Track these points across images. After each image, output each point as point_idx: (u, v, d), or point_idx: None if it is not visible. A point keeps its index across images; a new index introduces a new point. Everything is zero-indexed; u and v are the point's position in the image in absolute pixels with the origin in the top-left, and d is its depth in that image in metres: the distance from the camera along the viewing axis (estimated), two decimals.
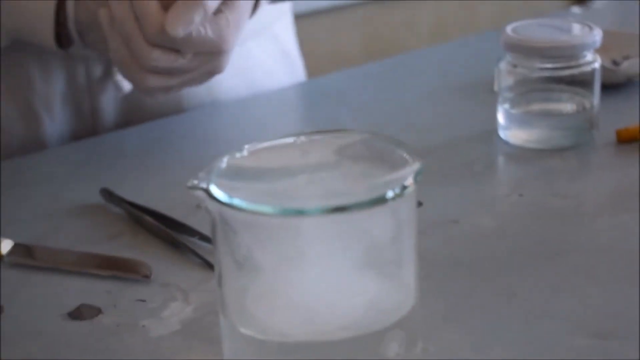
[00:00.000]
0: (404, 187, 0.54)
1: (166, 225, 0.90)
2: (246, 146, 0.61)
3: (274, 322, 0.57)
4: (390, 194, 0.53)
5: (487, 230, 0.90)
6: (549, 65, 1.05)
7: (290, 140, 0.63)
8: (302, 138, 0.62)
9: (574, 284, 0.78)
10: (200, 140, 1.18)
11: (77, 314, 0.76)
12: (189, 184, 0.58)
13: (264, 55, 1.45)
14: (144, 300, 0.79)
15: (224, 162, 0.59)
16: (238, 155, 0.60)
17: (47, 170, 1.12)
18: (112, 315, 0.77)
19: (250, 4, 1.19)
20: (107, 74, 1.24)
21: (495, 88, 1.07)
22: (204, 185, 0.56)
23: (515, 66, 1.05)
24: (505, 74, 1.05)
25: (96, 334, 0.75)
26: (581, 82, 1.04)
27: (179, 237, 0.88)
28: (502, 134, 1.07)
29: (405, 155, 0.58)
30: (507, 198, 0.99)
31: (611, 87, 1.13)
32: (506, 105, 1.06)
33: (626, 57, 1.19)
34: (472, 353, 0.69)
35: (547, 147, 1.05)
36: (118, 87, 1.24)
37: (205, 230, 0.87)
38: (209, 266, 0.82)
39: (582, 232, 0.92)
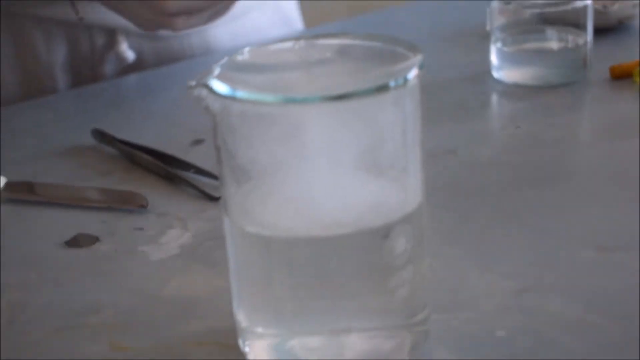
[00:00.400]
0: (407, 79, 0.54)
1: (161, 162, 0.91)
2: (246, 48, 0.60)
3: (279, 219, 0.57)
4: (393, 83, 0.53)
5: (486, 159, 0.91)
6: (541, 2, 1.06)
7: (289, 43, 0.61)
8: (302, 42, 0.61)
9: (575, 204, 0.79)
10: None
11: (74, 242, 0.76)
12: (189, 83, 0.56)
13: (266, 23, 1.44)
14: (141, 229, 0.80)
15: (225, 62, 0.58)
16: (239, 56, 0.60)
17: (42, 117, 1.13)
18: (110, 243, 0.78)
19: None
20: (111, 45, 1.24)
21: (488, 28, 1.07)
22: (205, 82, 0.55)
23: (507, 3, 1.05)
24: (497, 14, 1.05)
25: (95, 260, 0.76)
26: (573, 21, 1.05)
27: (174, 171, 0.89)
28: (496, 73, 1.07)
29: (406, 51, 0.58)
30: (504, 130, 1.01)
31: (603, 29, 1.14)
32: (499, 44, 1.06)
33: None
34: (477, 269, 0.69)
35: (541, 84, 1.05)
36: (121, 58, 1.25)
37: (200, 164, 0.88)
38: (206, 197, 0.83)
39: (580, 158, 0.94)
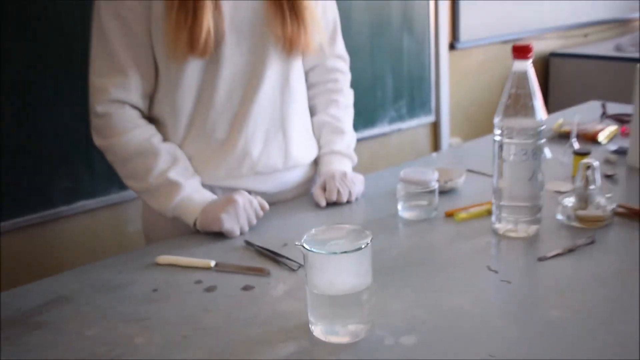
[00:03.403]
0: (367, 244, 0.82)
1: (270, 252, 1.12)
2: (313, 230, 0.86)
3: (327, 287, 0.83)
4: (363, 246, 0.81)
5: (395, 253, 1.13)
6: (420, 188, 1.24)
7: (327, 228, 0.87)
8: (334, 228, 0.87)
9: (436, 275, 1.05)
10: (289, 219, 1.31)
11: (249, 287, 1.00)
12: (297, 243, 0.83)
13: None
14: (268, 283, 1.02)
15: (309, 234, 0.84)
16: (312, 232, 0.85)
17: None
18: (259, 287, 1.00)
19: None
20: None
21: (397, 196, 1.26)
22: (301, 243, 0.82)
23: (408, 186, 1.24)
24: (401, 189, 1.25)
25: (253, 296, 0.98)
26: (431, 192, 1.25)
27: (277, 258, 1.10)
28: (400, 213, 1.26)
29: (367, 234, 0.84)
30: (408, 240, 1.18)
31: (443, 192, 1.33)
32: (401, 202, 1.26)
33: (450, 179, 1.37)
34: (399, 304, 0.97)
35: (417, 218, 1.25)
36: None
37: (287, 255, 1.09)
38: (291, 270, 1.05)
39: (439, 243, 1.14)
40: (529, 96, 1.06)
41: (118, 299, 1.00)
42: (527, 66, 1.06)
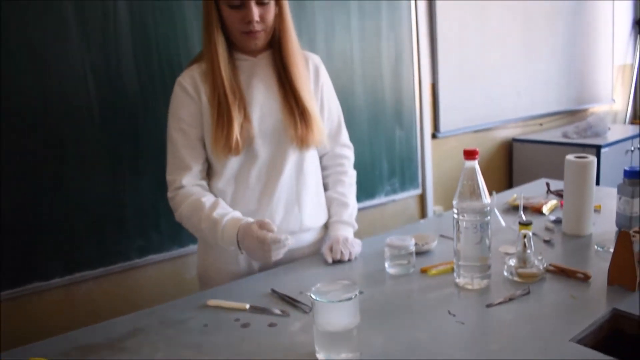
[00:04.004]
0: (356, 295, 0.89)
1: (289, 299, 1.17)
2: (319, 284, 0.91)
3: (327, 326, 0.89)
4: (353, 296, 0.88)
5: (382, 298, 1.14)
6: (403, 251, 1.27)
7: (328, 283, 0.92)
8: (333, 283, 0.93)
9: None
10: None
11: (273, 325, 1.05)
12: (308, 293, 0.91)
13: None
14: (287, 321, 1.08)
15: (315, 287, 0.90)
16: (318, 285, 0.91)
17: (250, 291, 1.23)
18: (282, 324, 1.06)
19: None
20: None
21: (384, 256, 1.28)
22: (310, 293, 0.90)
23: (392, 249, 1.27)
24: (389, 253, 1.28)
25: (278, 330, 1.03)
26: (409, 254, 1.28)
27: (294, 303, 1.15)
28: (387, 270, 1.28)
29: (356, 287, 0.91)
30: (395, 291, 1.18)
31: (420, 253, 1.38)
32: (387, 262, 1.29)
33: (426, 243, 1.39)
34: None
35: (399, 273, 1.28)
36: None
37: (303, 301, 1.15)
38: (306, 312, 1.10)
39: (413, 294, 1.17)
40: (477, 185, 1.12)
41: (178, 331, 1.05)
42: (475, 164, 1.12)
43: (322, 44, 2.24)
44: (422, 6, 2.69)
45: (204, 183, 1.31)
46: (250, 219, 1.22)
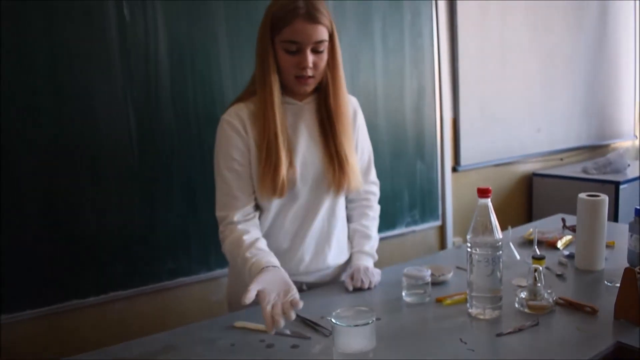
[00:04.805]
0: (372, 321, 0.94)
1: (312, 322, 1.19)
2: (339, 310, 0.98)
3: (346, 348, 0.95)
4: (370, 321, 0.94)
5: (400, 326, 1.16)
6: (419, 281, 1.31)
7: (347, 309, 0.98)
8: (351, 309, 0.98)
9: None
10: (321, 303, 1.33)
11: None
12: (329, 317, 0.97)
13: None
14: (309, 343, 1.12)
15: (335, 312, 0.96)
16: (338, 311, 0.98)
17: None
18: (304, 346, 1.09)
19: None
20: None
21: (402, 286, 1.32)
22: (330, 318, 0.96)
23: (408, 280, 1.31)
24: (404, 282, 1.30)
25: (298, 352, 1.07)
26: (425, 284, 1.31)
27: (316, 327, 1.18)
28: (404, 298, 1.30)
29: (373, 313, 0.96)
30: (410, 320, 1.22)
31: (436, 283, 1.40)
32: (404, 291, 1.32)
33: (442, 274, 1.42)
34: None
35: (415, 302, 1.30)
36: None
37: (324, 325, 1.18)
38: (326, 336, 1.12)
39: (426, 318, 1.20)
40: (489, 221, 1.16)
41: (208, 349, 1.09)
42: (487, 202, 1.17)
43: (347, 80, 2.24)
44: (445, 44, 2.76)
45: (255, 216, 1.32)
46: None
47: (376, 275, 1.41)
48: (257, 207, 1.33)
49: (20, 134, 1.61)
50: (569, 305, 1.26)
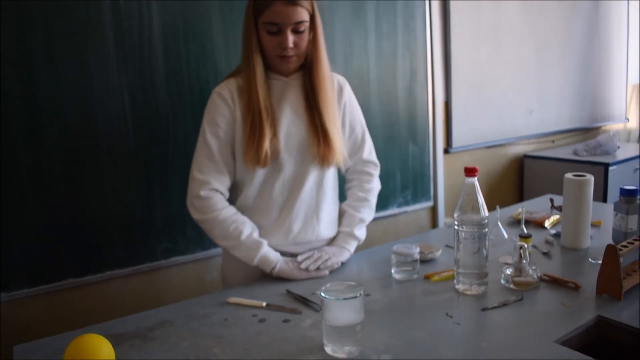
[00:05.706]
0: (360, 294, 0.95)
1: (303, 298, 1.22)
2: (328, 284, 0.99)
3: (334, 320, 0.95)
4: (358, 295, 0.94)
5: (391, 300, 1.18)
6: (408, 258, 1.32)
7: (336, 283, 0.99)
8: (340, 283, 0.98)
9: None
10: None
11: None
12: (318, 291, 0.97)
13: None
14: (300, 318, 1.13)
15: (325, 287, 0.97)
16: (327, 285, 0.98)
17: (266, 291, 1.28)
18: (296, 320, 1.11)
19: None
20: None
21: (391, 263, 1.33)
22: (320, 292, 0.96)
23: (398, 256, 1.32)
24: (393, 259, 1.33)
25: (290, 326, 1.09)
26: (414, 261, 1.33)
27: (307, 302, 1.20)
28: (394, 275, 1.31)
29: (361, 287, 0.97)
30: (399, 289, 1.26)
31: (425, 261, 1.42)
32: (393, 268, 1.34)
33: (431, 252, 1.44)
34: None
35: (404, 279, 1.32)
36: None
37: (314, 300, 1.20)
38: (317, 311, 1.15)
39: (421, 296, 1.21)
40: (476, 200, 1.18)
41: (202, 324, 1.10)
42: (474, 181, 1.18)
43: (340, 63, 2.32)
44: (437, 27, 2.76)
45: (227, 196, 1.36)
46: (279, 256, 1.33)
47: (333, 257, 1.37)
48: (237, 187, 1.37)
49: (16, 101, 1.62)
50: (553, 282, 1.28)
